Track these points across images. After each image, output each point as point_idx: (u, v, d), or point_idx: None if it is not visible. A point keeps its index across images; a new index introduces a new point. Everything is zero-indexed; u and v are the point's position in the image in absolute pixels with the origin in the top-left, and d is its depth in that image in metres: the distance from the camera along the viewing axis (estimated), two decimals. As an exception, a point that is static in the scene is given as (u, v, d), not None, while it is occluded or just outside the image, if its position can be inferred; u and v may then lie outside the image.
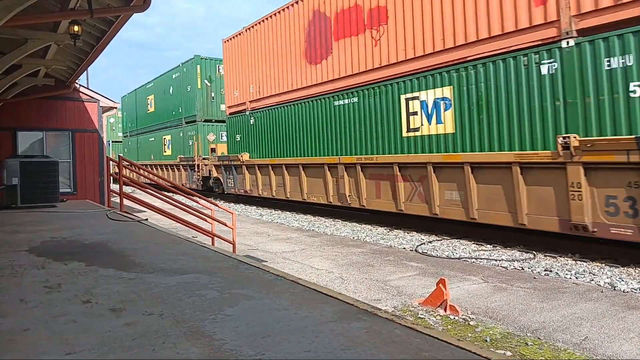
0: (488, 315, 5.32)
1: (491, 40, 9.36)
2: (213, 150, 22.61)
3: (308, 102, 14.63)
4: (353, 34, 12.83)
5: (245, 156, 17.99)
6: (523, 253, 8.69)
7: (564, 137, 7.72)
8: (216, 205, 10.22)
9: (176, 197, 11.41)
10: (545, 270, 7.40)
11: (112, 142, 41.58)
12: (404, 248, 9.55)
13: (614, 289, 6.26)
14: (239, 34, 18.84)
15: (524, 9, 8.73)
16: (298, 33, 15.02)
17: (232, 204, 19.57)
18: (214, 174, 20.90)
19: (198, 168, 22.53)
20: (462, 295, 6.01)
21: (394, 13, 11.53)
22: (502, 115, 9.10)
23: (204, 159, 22.35)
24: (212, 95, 23.69)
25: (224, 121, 22.14)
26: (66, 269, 4.72)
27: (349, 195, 12.74)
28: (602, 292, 6.11)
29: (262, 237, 11.02)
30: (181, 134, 24.97)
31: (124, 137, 36.77)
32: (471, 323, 5.07)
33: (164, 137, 27.64)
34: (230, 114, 19.76)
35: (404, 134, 11.18)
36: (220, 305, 3.45)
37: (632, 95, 7.19)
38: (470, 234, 10.39)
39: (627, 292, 6.14)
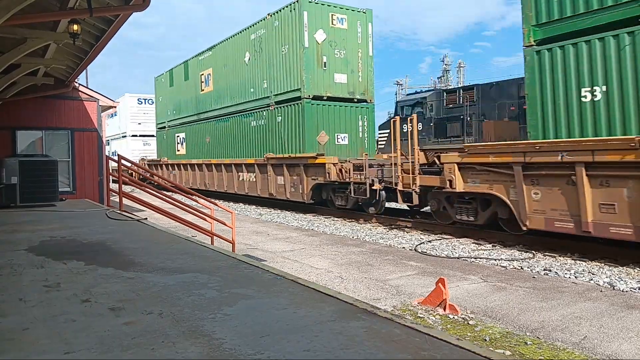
0: (487, 314, 5.33)
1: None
2: None
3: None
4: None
5: None
6: (522, 252, 8.70)
7: None
8: (216, 204, 10.22)
9: (175, 196, 11.41)
10: (544, 270, 7.41)
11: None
12: (404, 247, 9.55)
13: (613, 289, 6.26)
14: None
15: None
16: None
17: (232, 203, 19.56)
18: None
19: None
20: (462, 295, 6.01)
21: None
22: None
23: None
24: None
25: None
26: (65, 268, 4.72)
27: None
28: (601, 291, 6.12)
29: (261, 236, 11.01)
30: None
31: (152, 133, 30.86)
32: (470, 322, 5.07)
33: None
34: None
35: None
36: (219, 304, 3.45)
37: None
38: (470, 233, 10.39)
39: (627, 291, 6.14)
